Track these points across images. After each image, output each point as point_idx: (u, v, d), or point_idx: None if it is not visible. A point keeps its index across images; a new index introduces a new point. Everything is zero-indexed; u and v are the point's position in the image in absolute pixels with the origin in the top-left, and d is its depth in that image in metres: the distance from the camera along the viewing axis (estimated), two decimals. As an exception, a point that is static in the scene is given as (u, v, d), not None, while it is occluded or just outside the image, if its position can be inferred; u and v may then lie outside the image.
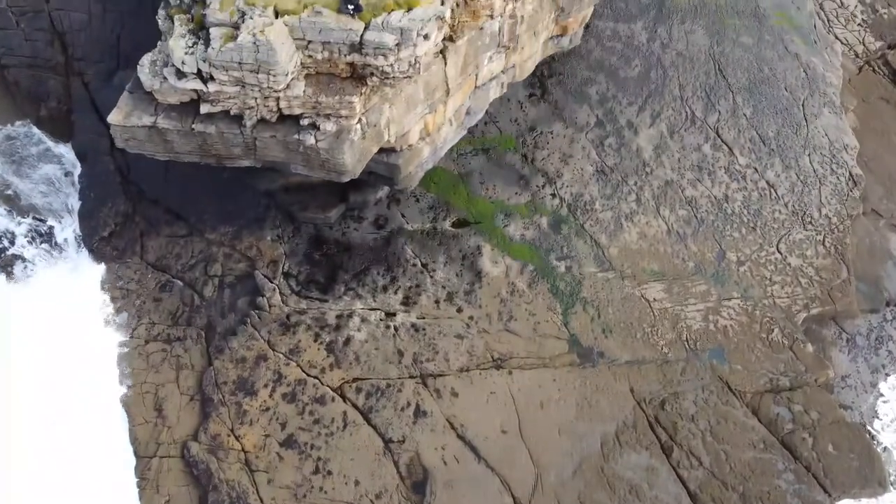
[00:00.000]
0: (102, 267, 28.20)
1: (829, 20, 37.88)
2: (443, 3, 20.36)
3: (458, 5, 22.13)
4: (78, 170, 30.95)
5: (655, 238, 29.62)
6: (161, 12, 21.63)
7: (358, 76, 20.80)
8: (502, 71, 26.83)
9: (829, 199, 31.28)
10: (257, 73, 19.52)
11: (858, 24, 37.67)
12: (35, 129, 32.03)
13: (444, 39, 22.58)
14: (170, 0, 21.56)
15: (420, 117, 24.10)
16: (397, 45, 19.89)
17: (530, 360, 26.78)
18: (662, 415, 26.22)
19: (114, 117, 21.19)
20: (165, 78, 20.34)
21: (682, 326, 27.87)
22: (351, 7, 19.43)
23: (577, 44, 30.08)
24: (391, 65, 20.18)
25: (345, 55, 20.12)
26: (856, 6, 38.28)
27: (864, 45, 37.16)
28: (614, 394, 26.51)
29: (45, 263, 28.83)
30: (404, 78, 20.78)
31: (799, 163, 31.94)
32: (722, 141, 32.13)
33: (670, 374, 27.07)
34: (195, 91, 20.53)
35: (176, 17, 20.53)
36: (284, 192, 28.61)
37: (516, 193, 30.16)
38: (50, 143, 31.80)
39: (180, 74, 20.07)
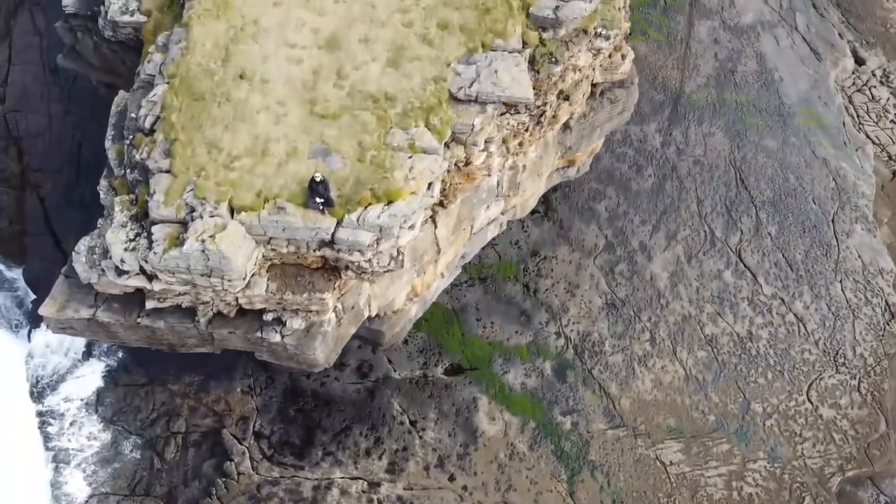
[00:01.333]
0: (51, 422, 25.14)
1: (858, 116, 34.67)
2: (429, 187, 17.24)
3: (449, 171, 19.06)
4: (31, 299, 27.89)
5: (672, 386, 26.51)
6: (103, 182, 18.56)
7: (331, 267, 17.74)
8: (501, 213, 23.80)
9: (863, 334, 28.14)
10: (209, 276, 16.47)
11: (891, 121, 34.47)
12: (-15, 250, 29.04)
13: (434, 205, 19.58)
14: (113, 169, 18.50)
15: (407, 283, 21.06)
16: (377, 240, 16.83)
17: (531, 539, 23.74)
18: None
19: (46, 310, 18.14)
20: (104, 271, 17.30)
21: (703, 495, 24.75)
22: (320, 202, 16.30)
23: (585, 171, 26.99)
24: (369, 260, 17.12)
25: (314, 250, 17.07)
26: (888, 99, 35.08)
27: (897, 145, 34.00)
28: (626, 582, 23.49)
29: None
30: (385, 272, 17.70)
31: (830, 291, 28.81)
32: (745, 266, 29.01)
33: (689, 555, 24.03)
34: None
35: (118, 199, 17.46)
36: (257, 339, 25.54)
37: (517, 332, 27.07)
38: (1, 266, 28.75)
39: (120, 271, 17.02)
